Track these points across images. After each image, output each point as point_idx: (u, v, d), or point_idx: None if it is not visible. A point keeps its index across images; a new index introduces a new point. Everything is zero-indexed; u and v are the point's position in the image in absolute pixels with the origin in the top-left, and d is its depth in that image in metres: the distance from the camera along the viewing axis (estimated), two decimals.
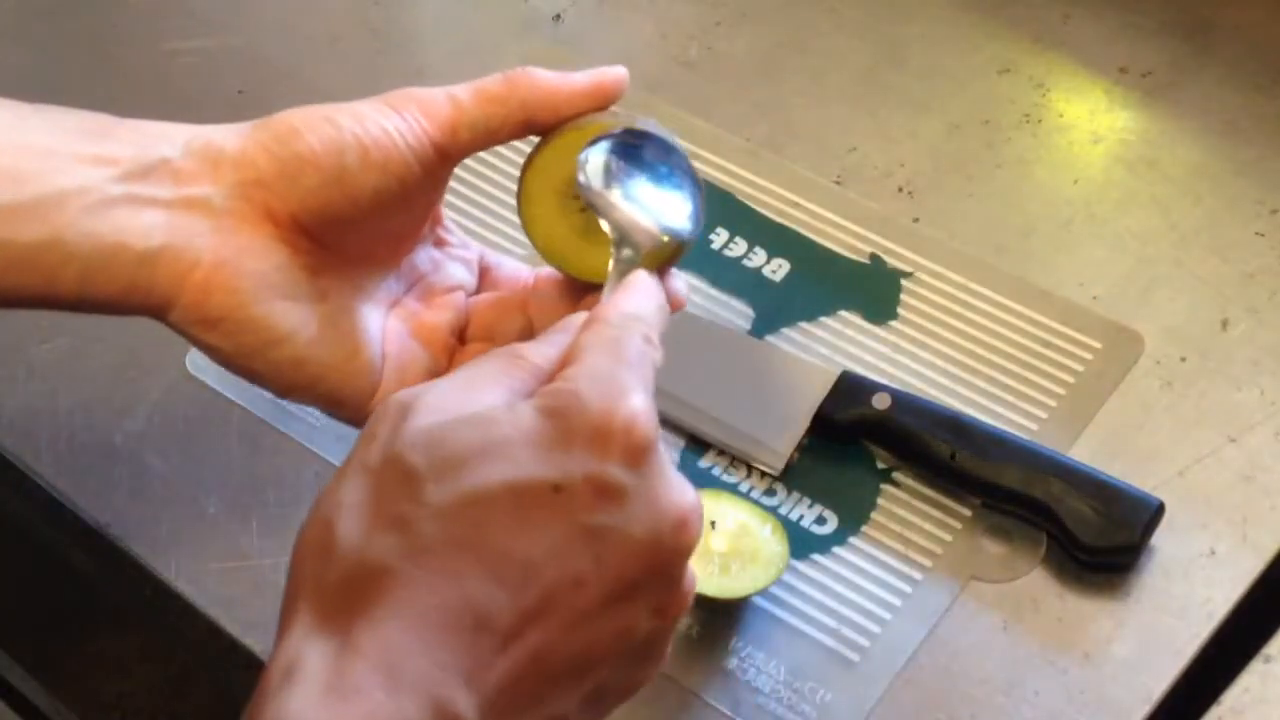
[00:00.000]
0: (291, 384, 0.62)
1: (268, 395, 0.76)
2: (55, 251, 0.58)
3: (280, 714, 0.47)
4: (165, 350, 0.79)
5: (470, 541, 0.48)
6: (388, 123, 0.61)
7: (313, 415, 0.76)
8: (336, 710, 0.46)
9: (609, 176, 0.60)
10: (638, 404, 0.51)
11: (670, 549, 0.51)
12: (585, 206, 0.61)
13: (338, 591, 0.49)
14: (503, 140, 0.63)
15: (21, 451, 0.76)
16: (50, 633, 0.80)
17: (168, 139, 0.61)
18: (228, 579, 0.71)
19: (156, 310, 0.61)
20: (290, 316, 0.61)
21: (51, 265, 0.58)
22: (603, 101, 0.63)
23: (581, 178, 0.60)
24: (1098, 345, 0.77)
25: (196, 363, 0.78)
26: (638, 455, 0.50)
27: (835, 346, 0.78)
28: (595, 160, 0.60)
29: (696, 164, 0.85)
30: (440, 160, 0.62)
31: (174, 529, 0.73)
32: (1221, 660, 0.68)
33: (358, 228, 0.62)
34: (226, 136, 0.61)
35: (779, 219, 0.83)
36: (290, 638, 0.49)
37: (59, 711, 0.82)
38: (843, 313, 0.79)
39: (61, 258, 0.58)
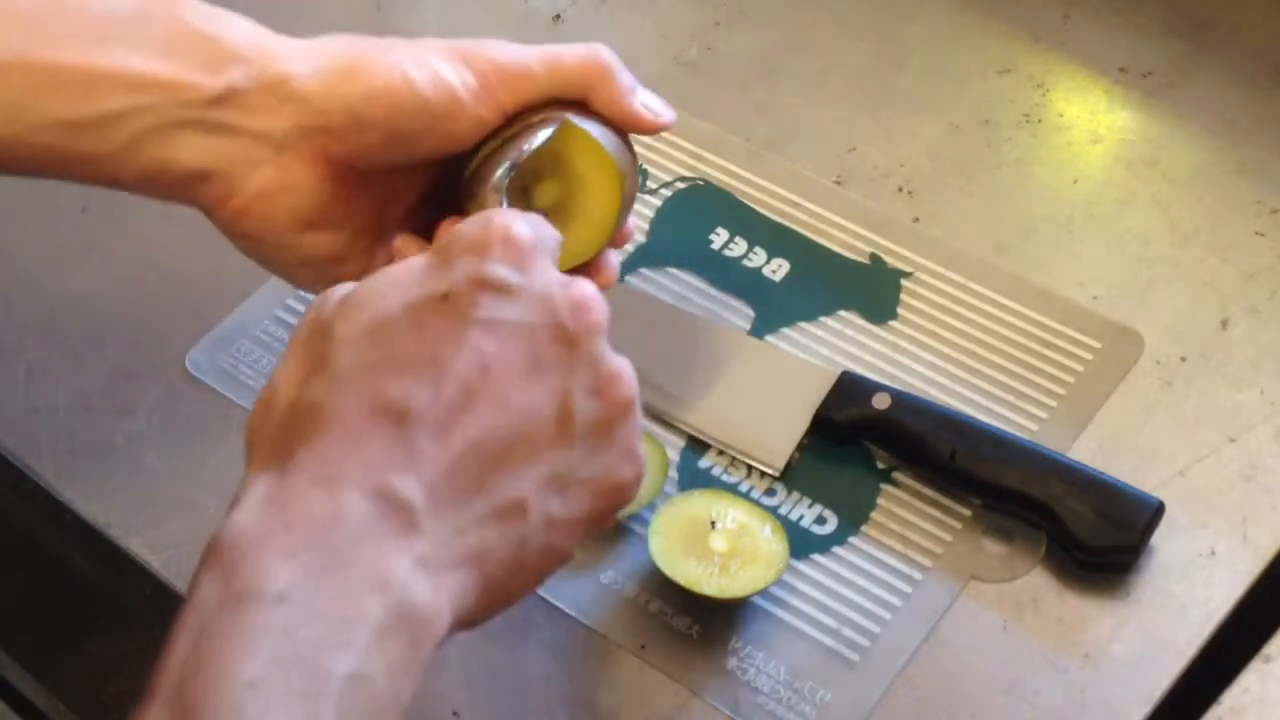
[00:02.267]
0: (313, 285, 0.67)
1: None
2: (114, 160, 0.62)
3: (224, 532, 0.50)
4: (165, 350, 0.79)
5: (380, 358, 0.53)
6: (464, 93, 0.63)
7: None
8: (276, 517, 0.50)
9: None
10: (511, 218, 0.56)
11: (574, 328, 0.55)
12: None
13: (277, 435, 0.53)
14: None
15: (21, 451, 0.76)
16: (50, 633, 0.80)
17: (244, 63, 0.62)
18: None
19: (205, 211, 0.65)
20: (319, 243, 0.65)
21: (111, 170, 0.63)
22: (646, 131, 0.66)
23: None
24: (1098, 345, 0.77)
25: (196, 363, 0.78)
26: (519, 255, 0.55)
27: (835, 346, 0.78)
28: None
29: (696, 163, 0.85)
30: (502, 116, 0.64)
31: (174, 529, 0.73)
32: (1221, 660, 0.68)
33: (406, 170, 0.65)
34: (304, 76, 0.63)
35: (779, 219, 0.83)
36: (243, 482, 0.52)
37: (59, 711, 0.82)
38: (843, 313, 0.79)
39: (115, 168, 0.62)
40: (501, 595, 0.54)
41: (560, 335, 0.55)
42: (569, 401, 0.54)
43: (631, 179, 0.66)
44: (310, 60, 0.63)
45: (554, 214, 0.64)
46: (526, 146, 0.64)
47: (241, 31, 0.63)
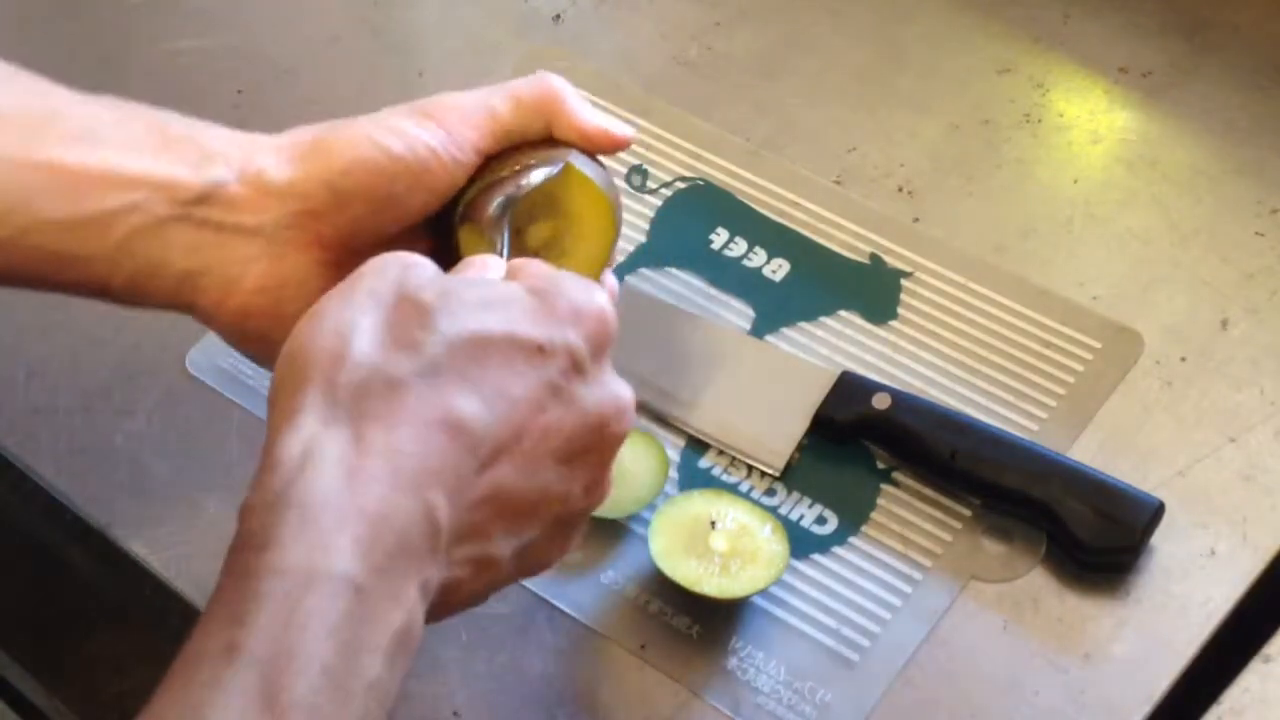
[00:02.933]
0: None
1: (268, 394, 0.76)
2: (104, 264, 0.62)
3: (306, 493, 0.50)
4: (165, 350, 0.79)
5: (471, 372, 0.54)
6: (434, 141, 0.63)
7: None
8: (353, 496, 0.51)
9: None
10: (607, 303, 0.59)
11: (610, 431, 0.58)
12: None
13: (353, 394, 0.52)
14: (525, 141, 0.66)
15: (21, 451, 0.76)
16: (50, 633, 0.80)
17: (225, 160, 0.63)
18: None
19: (202, 319, 0.64)
20: None
21: (103, 274, 0.62)
22: (606, 149, 0.67)
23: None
24: (1098, 345, 0.77)
25: (196, 363, 0.78)
26: (601, 345, 0.58)
27: (835, 346, 0.78)
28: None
29: (695, 163, 0.85)
30: (477, 163, 0.64)
31: (174, 529, 0.73)
32: (1221, 660, 0.68)
33: (399, 237, 0.64)
34: (279, 167, 0.63)
35: (779, 219, 0.83)
36: (303, 425, 0.52)
37: (59, 711, 0.82)
38: (843, 313, 0.79)
39: (108, 270, 0.62)
40: (434, 618, 0.56)
41: (598, 432, 0.57)
42: (570, 491, 0.57)
43: (620, 213, 0.67)
44: (280, 151, 0.63)
45: (547, 251, 0.65)
46: (525, 183, 0.64)
47: (218, 133, 0.64)
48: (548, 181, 0.65)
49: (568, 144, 0.66)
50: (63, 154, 0.61)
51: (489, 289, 0.57)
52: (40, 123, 0.62)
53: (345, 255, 0.63)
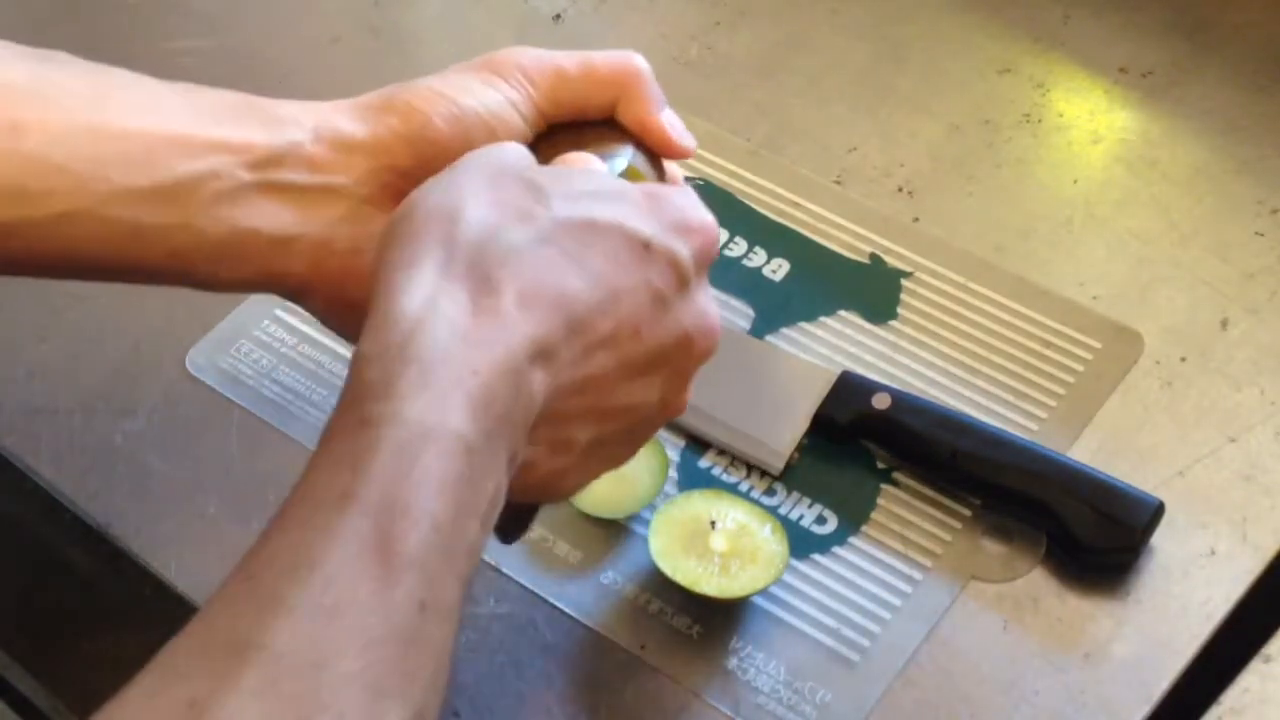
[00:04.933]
0: None
1: (268, 394, 0.76)
2: (187, 234, 0.60)
3: (426, 348, 0.50)
4: (165, 350, 0.79)
5: (580, 253, 0.54)
6: (501, 95, 0.63)
7: (313, 415, 0.76)
8: (468, 357, 0.50)
9: None
10: (714, 221, 0.59)
11: (697, 348, 0.58)
12: None
13: (470, 253, 0.52)
14: (584, 115, 0.65)
15: (21, 451, 0.76)
16: (50, 633, 0.80)
17: (297, 123, 0.62)
18: None
19: (293, 293, 0.62)
20: None
21: (184, 247, 0.60)
22: (665, 150, 0.65)
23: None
24: (1098, 345, 0.77)
25: (196, 363, 0.78)
26: (704, 260, 0.58)
27: (835, 346, 0.78)
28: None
29: (695, 163, 0.85)
30: (541, 123, 0.64)
31: (174, 529, 0.73)
32: (1221, 660, 0.68)
33: None
34: (354, 124, 0.62)
35: (779, 219, 0.83)
36: (422, 278, 0.52)
37: (59, 711, 0.82)
38: (843, 313, 0.79)
39: (193, 241, 0.60)
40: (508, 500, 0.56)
41: (682, 355, 0.58)
42: (648, 400, 0.58)
43: None
44: (353, 110, 0.63)
45: None
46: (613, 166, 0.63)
47: (284, 102, 0.63)
48: (629, 168, 0.63)
49: (627, 132, 0.65)
50: (134, 122, 0.60)
51: (601, 180, 0.57)
52: (105, 96, 0.61)
53: None
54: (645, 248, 0.55)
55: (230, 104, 0.62)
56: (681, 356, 0.58)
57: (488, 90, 0.62)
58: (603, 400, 0.56)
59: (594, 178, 0.57)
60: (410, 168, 0.61)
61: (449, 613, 0.49)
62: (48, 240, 0.59)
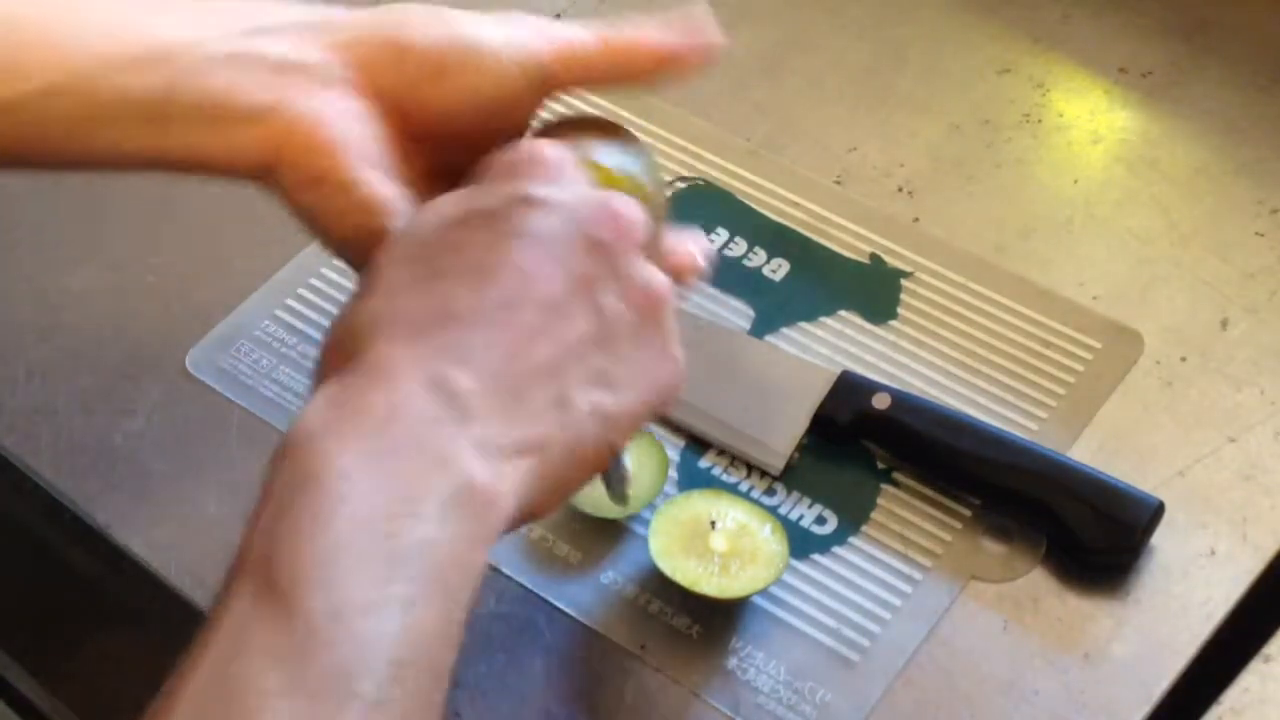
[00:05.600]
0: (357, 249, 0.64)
1: (268, 394, 0.76)
2: (168, 103, 0.60)
3: (291, 434, 0.52)
4: (165, 350, 0.79)
5: (425, 272, 0.55)
6: (499, 31, 0.62)
7: None
8: (337, 414, 0.52)
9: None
10: (538, 142, 0.59)
11: (608, 239, 0.57)
12: None
13: (334, 355, 0.55)
14: (594, 89, 0.66)
15: (21, 451, 0.76)
16: (50, 633, 0.80)
17: (280, 11, 0.62)
18: None
19: (261, 169, 0.62)
20: (384, 187, 0.62)
21: (164, 117, 0.60)
22: (696, 53, 0.63)
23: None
24: (1098, 345, 0.77)
25: (196, 363, 0.78)
26: (550, 171, 0.57)
27: (835, 346, 0.78)
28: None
29: (695, 163, 0.85)
30: (543, 81, 0.62)
31: (174, 529, 0.73)
32: (1221, 660, 0.68)
33: (460, 137, 0.62)
34: (344, 15, 0.63)
35: (779, 219, 0.83)
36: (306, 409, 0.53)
37: (59, 711, 0.82)
38: (843, 313, 0.79)
39: (174, 110, 0.60)
40: (561, 485, 0.56)
41: (595, 246, 0.57)
42: (604, 309, 0.57)
43: (665, 209, 0.64)
44: (344, 10, 0.63)
45: None
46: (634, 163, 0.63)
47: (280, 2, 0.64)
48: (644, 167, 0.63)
49: (632, 136, 0.64)
50: (105, 10, 0.61)
51: (425, 208, 0.58)
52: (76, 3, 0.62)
53: (398, 119, 0.62)
54: (483, 216, 0.56)
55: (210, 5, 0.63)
56: (595, 250, 0.56)
57: (492, 25, 0.62)
58: (548, 347, 0.55)
59: (421, 210, 0.58)
60: (382, 65, 0.61)
61: (399, 608, 0.49)
62: (35, 120, 0.60)
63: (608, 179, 0.61)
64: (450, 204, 0.57)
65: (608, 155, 0.62)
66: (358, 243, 0.61)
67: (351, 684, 0.47)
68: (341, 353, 0.54)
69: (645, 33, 0.63)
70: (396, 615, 0.49)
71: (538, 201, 0.56)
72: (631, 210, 0.58)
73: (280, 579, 0.48)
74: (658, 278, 0.58)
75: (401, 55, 0.61)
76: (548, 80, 0.62)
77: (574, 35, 0.63)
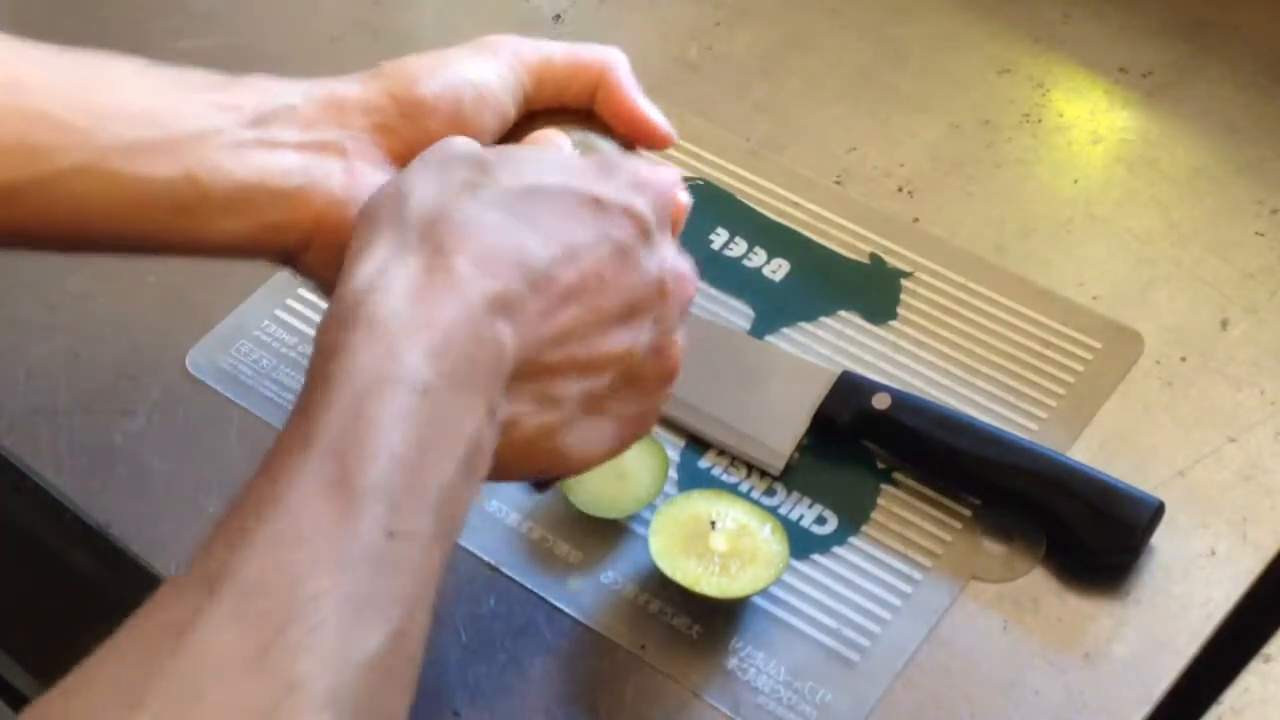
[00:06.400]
0: None
1: (268, 394, 0.77)
2: (193, 188, 0.61)
3: (376, 309, 0.52)
4: (165, 350, 0.79)
5: (531, 216, 0.56)
6: (490, 68, 0.65)
7: None
8: (422, 312, 0.52)
9: None
10: (674, 179, 0.61)
11: (673, 293, 0.59)
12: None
13: (420, 227, 0.54)
14: (561, 104, 0.67)
15: (21, 451, 0.76)
16: (50, 633, 0.80)
17: (287, 90, 0.63)
18: None
19: (293, 250, 0.63)
20: None
21: (190, 202, 0.61)
22: (645, 140, 0.68)
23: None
24: (1098, 345, 0.77)
25: (196, 363, 0.78)
26: (663, 210, 0.59)
27: (835, 346, 0.78)
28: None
29: (695, 163, 0.85)
30: (527, 105, 0.66)
31: (174, 529, 0.73)
32: (1221, 660, 0.68)
33: None
34: (347, 85, 0.64)
35: (779, 219, 0.83)
36: (374, 255, 0.53)
37: None
38: (843, 313, 0.79)
39: (200, 195, 0.61)
40: (504, 470, 0.57)
41: (660, 293, 0.59)
42: (635, 348, 0.58)
43: None
44: (350, 78, 0.64)
45: None
46: None
47: (273, 78, 0.64)
48: None
49: (604, 124, 0.66)
50: (130, 84, 0.62)
51: (547, 153, 0.59)
52: (95, 64, 0.63)
53: None
54: (597, 203, 0.57)
55: (217, 77, 0.63)
56: (659, 303, 0.59)
57: (477, 60, 0.65)
58: (582, 351, 0.57)
59: (542, 151, 0.59)
60: (400, 126, 0.63)
61: (426, 540, 0.50)
62: (55, 201, 0.60)
63: None
64: (570, 169, 0.58)
65: (604, 143, 0.66)
66: None
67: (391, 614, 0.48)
68: (430, 228, 0.54)
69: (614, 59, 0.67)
70: (424, 554, 0.50)
71: (645, 225, 0.58)
72: (693, 282, 0.61)
73: (354, 473, 0.49)
74: (680, 354, 0.61)
75: (416, 112, 0.63)
76: (529, 103, 0.66)
77: (555, 54, 0.66)
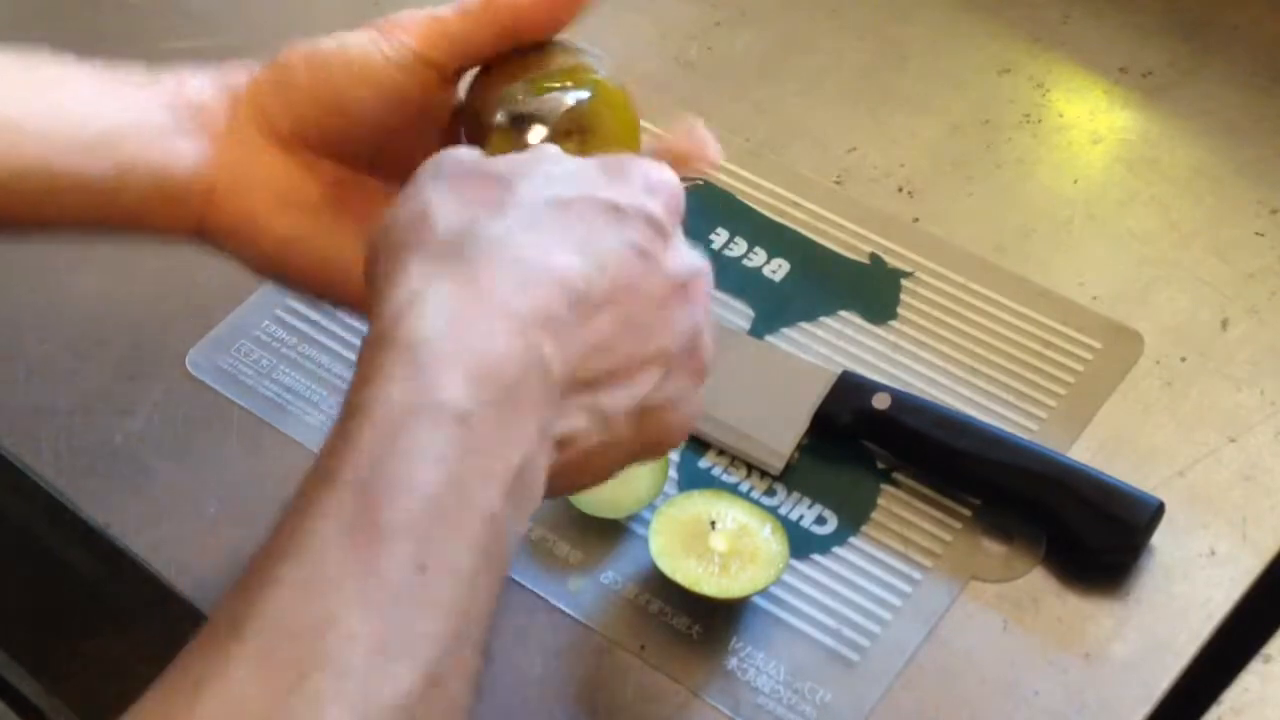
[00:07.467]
0: (323, 285, 0.66)
1: (268, 394, 0.77)
2: (117, 183, 0.63)
3: (411, 333, 0.51)
4: (165, 350, 0.79)
5: (558, 229, 0.55)
6: (366, 38, 0.64)
7: (313, 415, 0.76)
8: (460, 335, 0.51)
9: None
10: (676, 178, 0.60)
11: (694, 289, 0.58)
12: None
13: (450, 249, 0.53)
14: (489, 52, 0.65)
15: (21, 451, 0.76)
16: (50, 633, 0.80)
17: (195, 82, 0.65)
18: (228, 579, 0.71)
19: (194, 231, 0.65)
20: (301, 223, 0.65)
21: (113, 196, 0.63)
22: (569, 14, 0.67)
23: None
24: (1098, 345, 0.77)
25: (196, 363, 0.78)
26: (674, 210, 0.59)
27: (835, 346, 0.78)
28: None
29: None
30: (429, 72, 0.64)
31: (174, 529, 0.73)
32: (1221, 660, 0.68)
33: (362, 141, 0.65)
34: (237, 76, 0.65)
35: (779, 219, 0.83)
36: (407, 278, 0.53)
37: (59, 711, 0.82)
38: (843, 313, 0.79)
39: (121, 187, 0.63)
40: (559, 488, 0.56)
41: (684, 294, 0.58)
42: (671, 349, 0.57)
43: (635, 111, 0.66)
44: (240, 68, 0.66)
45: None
46: (552, 109, 0.64)
47: (189, 72, 0.67)
48: (578, 105, 0.64)
49: (568, 50, 0.66)
50: (62, 83, 0.64)
51: (557, 162, 0.58)
52: (24, 65, 0.64)
53: (304, 150, 0.65)
54: (616, 210, 0.56)
55: (126, 73, 0.65)
56: (683, 301, 0.58)
57: (358, 38, 0.64)
58: (623, 359, 0.56)
59: (549, 161, 0.58)
60: (270, 102, 0.64)
61: (466, 573, 0.49)
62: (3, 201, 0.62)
63: (621, 108, 0.65)
64: (586, 176, 0.57)
65: (608, 74, 0.65)
66: (298, 280, 0.66)
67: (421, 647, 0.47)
68: (458, 251, 0.53)
69: None
70: (465, 587, 0.49)
71: (662, 229, 0.57)
72: (710, 277, 0.60)
73: (378, 510, 0.48)
74: (710, 351, 0.60)
75: (285, 91, 0.64)
76: (431, 66, 0.64)
77: (445, 12, 0.64)
